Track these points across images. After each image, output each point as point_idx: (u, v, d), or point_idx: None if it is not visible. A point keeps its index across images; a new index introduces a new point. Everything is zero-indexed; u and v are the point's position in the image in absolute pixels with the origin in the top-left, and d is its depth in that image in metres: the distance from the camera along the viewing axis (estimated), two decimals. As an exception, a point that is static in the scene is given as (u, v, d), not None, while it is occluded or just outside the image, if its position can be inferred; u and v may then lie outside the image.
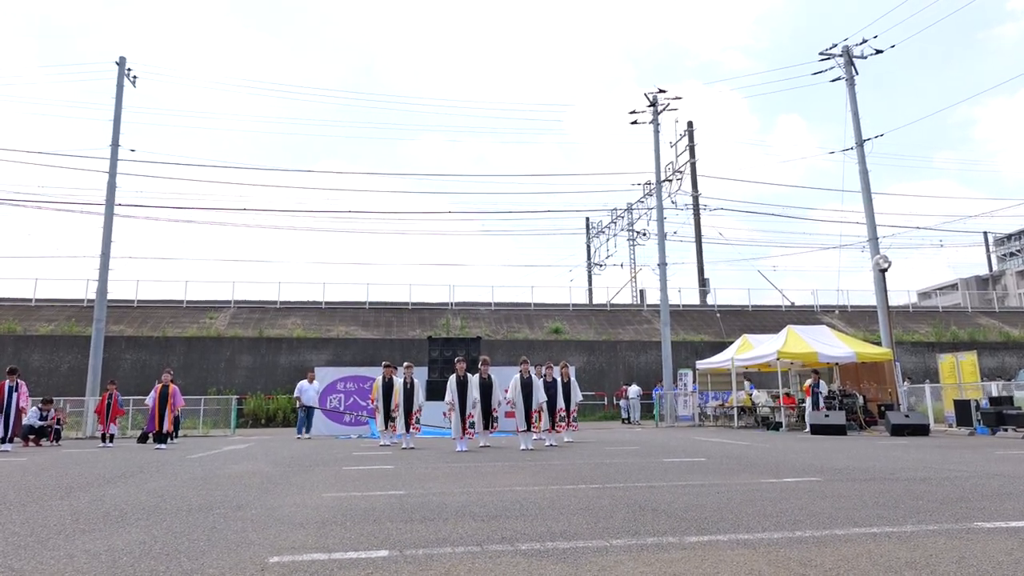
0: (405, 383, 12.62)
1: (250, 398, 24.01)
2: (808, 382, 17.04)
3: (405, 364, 13.03)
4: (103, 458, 10.52)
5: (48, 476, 7.75)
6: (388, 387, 13.03)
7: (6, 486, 6.79)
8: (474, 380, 11.92)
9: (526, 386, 11.85)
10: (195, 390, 23.29)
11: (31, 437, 14.92)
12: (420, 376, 18.54)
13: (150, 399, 13.60)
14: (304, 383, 17.62)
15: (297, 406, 17.41)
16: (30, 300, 28.71)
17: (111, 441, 14.51)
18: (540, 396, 11.94)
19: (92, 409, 18.40)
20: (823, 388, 16.84)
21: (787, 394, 18.74)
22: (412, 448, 12.05)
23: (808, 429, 15.91)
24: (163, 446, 13.08)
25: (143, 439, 15.42)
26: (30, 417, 14.87)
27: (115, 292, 26.75)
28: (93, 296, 22.59)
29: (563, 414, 12.75)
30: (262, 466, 8.84)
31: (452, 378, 11.96)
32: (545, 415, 12.23)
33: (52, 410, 15.64)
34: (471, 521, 4.51)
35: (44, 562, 3.49)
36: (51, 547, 3.84)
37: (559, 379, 12.87)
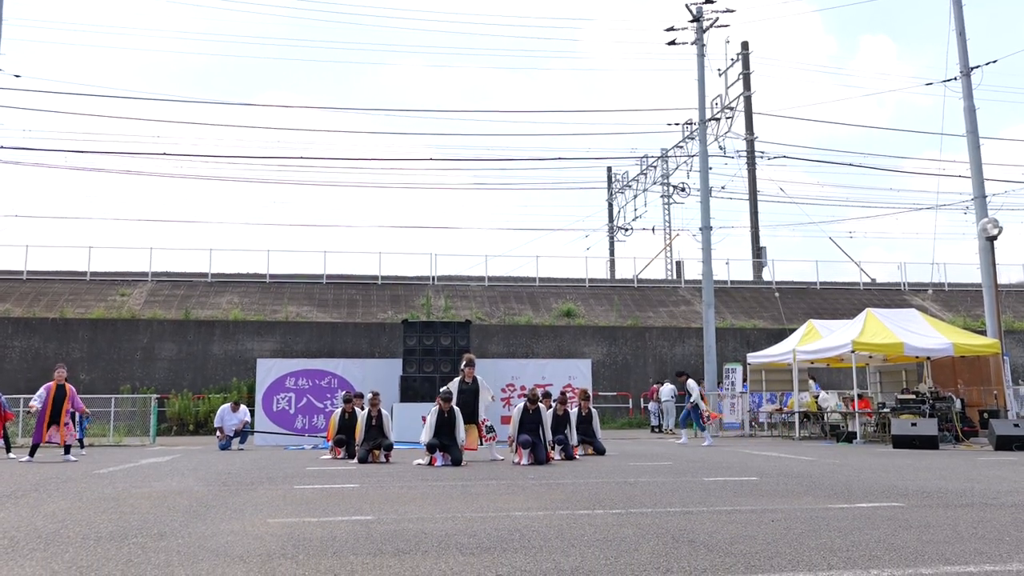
0: (370, 417, 12.82)
1: (174, 398, 24.13)
2: (686, 387, 17.03)
3: (371, 393, 13.19)
4: (-14, 473, 10.59)
5: (-84, 495, 7.81)
6: (349, 423, 13.53)
7: None
8: (457, 409, 12.02)
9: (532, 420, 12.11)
10: (104, 387, 23.39)
11: None
12: (392, 373, 18.77)
13: (38, 400, 13.46)
14: (226, 410, 17.35)
15: (218, 437, 17.16)
16: None
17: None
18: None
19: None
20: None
21: (862, 396, 18.84)
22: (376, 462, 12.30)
23: (891, 440, 16.03)
24: (61, 456, 13.19)
25: (33, 452, 15.46)
26: None
27: (-2, 261, 26.72)
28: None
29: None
30: (190, 484, 8.91)
31: (433, 412, 11.93)
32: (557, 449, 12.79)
33: None
34: (457, 555, 4.57)
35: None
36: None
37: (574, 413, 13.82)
